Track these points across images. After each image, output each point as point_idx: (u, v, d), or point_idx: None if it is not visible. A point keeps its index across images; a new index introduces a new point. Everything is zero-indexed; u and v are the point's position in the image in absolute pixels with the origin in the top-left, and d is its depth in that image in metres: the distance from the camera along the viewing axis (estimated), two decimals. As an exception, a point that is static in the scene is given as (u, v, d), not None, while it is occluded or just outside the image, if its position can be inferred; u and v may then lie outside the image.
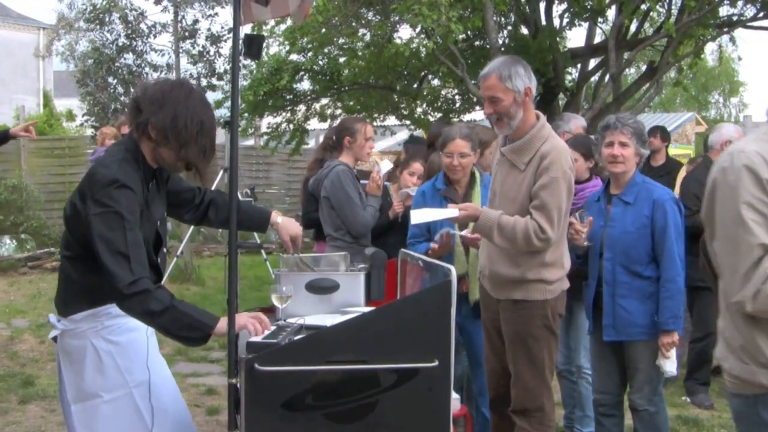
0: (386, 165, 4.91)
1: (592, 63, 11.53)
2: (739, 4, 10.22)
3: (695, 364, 5.73)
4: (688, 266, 5.52)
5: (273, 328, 2.78)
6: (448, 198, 4.16)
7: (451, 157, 4.12)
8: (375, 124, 13.27)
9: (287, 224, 3.14)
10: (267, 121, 13.70)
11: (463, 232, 3.87)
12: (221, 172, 9.77)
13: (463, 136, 4.11)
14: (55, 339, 2.80)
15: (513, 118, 3.44)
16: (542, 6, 10.61)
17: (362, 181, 4.76)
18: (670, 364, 3.76)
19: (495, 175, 3.66)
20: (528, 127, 3.47)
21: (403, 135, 18.54)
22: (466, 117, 12.94)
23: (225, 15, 18.91)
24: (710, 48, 18.69)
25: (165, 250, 2.90)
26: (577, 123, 5.20)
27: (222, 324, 2.55)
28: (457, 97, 12.73)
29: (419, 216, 3.64)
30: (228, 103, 9.49)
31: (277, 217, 3.15)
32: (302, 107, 12.86)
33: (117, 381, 2.70)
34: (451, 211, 3.52)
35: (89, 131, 17.12)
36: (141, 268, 2.53)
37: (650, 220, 3.76)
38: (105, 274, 2.50)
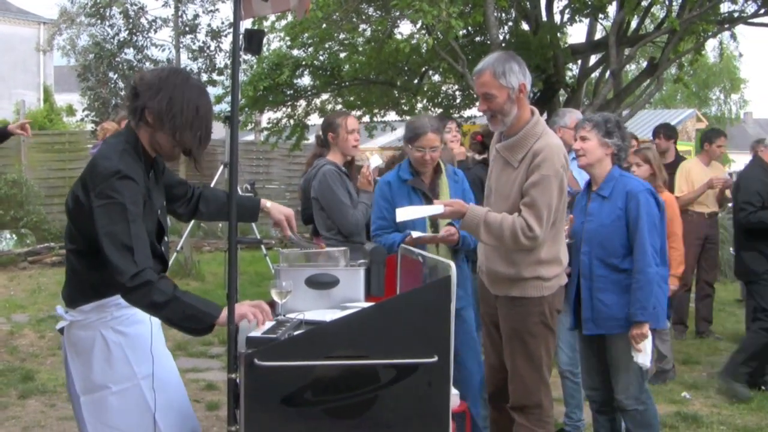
0: (375, 160, 4.90)
1: (593, 59, 11.52)
2: (740, 0, 10.21)
3: (760, 352, 5.54)
4: (751, 261, 5.63)
5: (273, 322, 2.79)
6: (416, 188, 4.18)
7: (422, 151, 4.13)
8: (375, 119, 13.28)
9: (278, 206, 3.21)
10: (267, 117, 13.70)
11: (442, 232, 3.89)
12: (221, 168, 9.77)
13: (434, 130, 4.13)
14: (61, 331, 2.79)
15: (507, 115, 3.41)
16: (543, 2, 10.60)
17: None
18: (642, 357, 3.73)
19: (490, 171, 3.64)
20: (522, 124, 3.44)
21: (403, 131, 18.53)
22: (467, 113, 12.95)
23: (225, 10, 18.93)
24: (711, 44, 18.71)
25: (167, 238, 2.90)
26: (573, 117, 5.16)
27: (225, 314, 2.55)
28: (457, 92, 12.73)
29: (404, 214, 3.58)
30: (228, 99, 9.47)
31: (266, 203, 3.21)
32: (303, 102, 12.86)
33: (125, 372, 2.69)
34: (437, 208, 3.48)
35: (89, 126, 17.13)
36: (145, 259, 2.52)
37: (624, 211, 3.77)
38: (109, 267, 2.49)
